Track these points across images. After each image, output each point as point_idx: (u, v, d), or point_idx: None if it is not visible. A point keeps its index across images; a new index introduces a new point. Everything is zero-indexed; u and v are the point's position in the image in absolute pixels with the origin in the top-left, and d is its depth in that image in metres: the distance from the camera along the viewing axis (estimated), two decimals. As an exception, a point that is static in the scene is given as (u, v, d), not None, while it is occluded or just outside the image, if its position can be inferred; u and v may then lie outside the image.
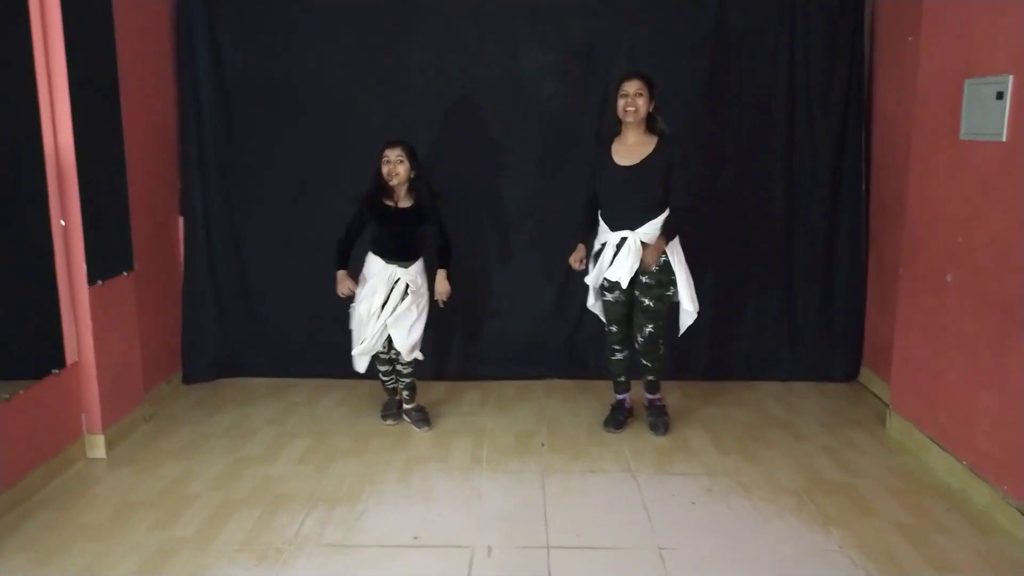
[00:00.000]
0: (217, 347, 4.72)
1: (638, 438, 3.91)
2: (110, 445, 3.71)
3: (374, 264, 3.88)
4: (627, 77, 3.67)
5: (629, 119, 3.65)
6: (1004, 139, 3.03)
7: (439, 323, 4.40)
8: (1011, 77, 2.98)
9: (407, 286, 3.83)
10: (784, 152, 4.57)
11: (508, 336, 4.75)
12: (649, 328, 3.79)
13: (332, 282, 3.97)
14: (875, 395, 4.50)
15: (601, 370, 4.71)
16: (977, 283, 3.25)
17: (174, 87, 4.57)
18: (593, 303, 3.98)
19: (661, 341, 3.85)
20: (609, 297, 3.85)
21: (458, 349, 4.73)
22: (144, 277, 4.19)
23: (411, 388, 4.06)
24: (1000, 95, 3.02)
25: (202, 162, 4.61)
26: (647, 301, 3.74)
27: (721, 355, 4.70)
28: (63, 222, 3.49)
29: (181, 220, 4.68)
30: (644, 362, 3.91)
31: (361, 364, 3.96)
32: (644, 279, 3.72)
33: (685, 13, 4.49)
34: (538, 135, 4.58)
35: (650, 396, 4.07)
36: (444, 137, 4.55)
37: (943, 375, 3.51)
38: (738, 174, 4.59)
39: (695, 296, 3.82)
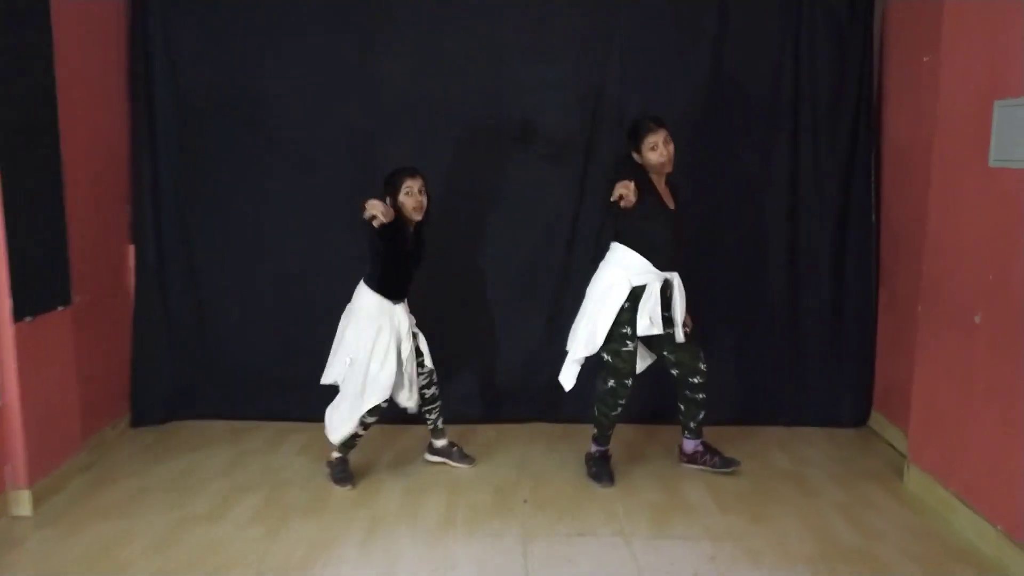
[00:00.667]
0: (169, 387, 4.31)
1: (631, 494, 3.52)
2: (37, 501, 3.30)
3: (374, 303, 3.47)
4: (649, 129, 3.39)
5: (668, 169, 3.44)
6: (1044, 165, 2.70)
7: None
8: (1051, 96, 2.66)
9: (405, 324, 3.54)
10: (789, 181, 4.25)
11: (488, 375, 4.37)
12: (702, 352, 3.59)
13: (295, 316, 3.59)
14: (888, 442, 4.14)
15: (584, 413, 4.35)
16: (1011, 325, 2.90)
17: (125, 102, 4.20)
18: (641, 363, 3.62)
19: None
20: (630, 347, 3.47)
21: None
22: (89, 311, 3.81)
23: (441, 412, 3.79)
24: (1038, 117, 2.70)
25: (155, 186, 4.24)
26: (684, 338, 3.55)
27: (721, 398, 4.30)
28: (-16, 253, 3.10)
29: (132, 248, 4.28)
30: (700, 396, 3.62)
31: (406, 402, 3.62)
32: (679, 317, 3.52)
33: (682, 33, 4.19)
34: (521, 152, 4.23)
35: (694, 443, 3.76)
36: (421, 159, 4.19)
37: (970, 426, 3.15)
38: (739, 205, 4.27)
39: None
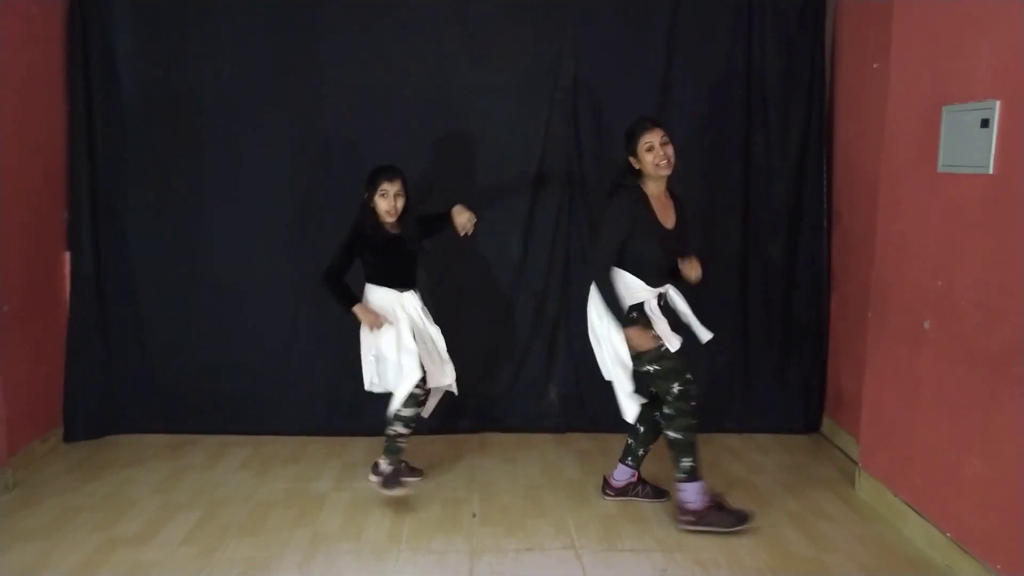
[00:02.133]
0: (104, 399, 4.14)
1: (583, 506, 3.45)
2: (-45, 523, 3.12)
3: (382, 296, 3.42)
4: (645, 128, 3.15)
5: (663, 172, 3.15)
6: (991, 171, 2.69)
7: (354, 372, 3.92)
8: (998, 102, 2.65)
9: (418, 311, 3.49)
10: (740, 188, 4.23)
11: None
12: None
13: (235, 327, 3.43)
14: (840, 449, 4.12)
15: (538, 422, 4.28)
16: (960, 332, 2.88)
17: (63, 104, 4.03)
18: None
19: None
20: (664, 344, 3.18)
21: (380, 400, 4.21)
22: (18, 320, 3.63)
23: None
24: (986, 123, 2.68)
25: (93, 191, 4.06)
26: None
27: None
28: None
29: (67, 256, 4.10)
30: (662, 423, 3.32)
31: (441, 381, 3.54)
32: (692, 318, 3.42)
33: (633, 39, 4.14)
34: (473, 160, 4.14)
35: (639, 475, 3.56)
36: (363, 159, 4.08)
37: (920, 434, 3.13)
38: (690, 210, 4.21)
39: None
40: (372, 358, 3.43)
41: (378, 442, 3.83)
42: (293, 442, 4.09)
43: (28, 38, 3.72)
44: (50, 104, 3.96)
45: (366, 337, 3.44)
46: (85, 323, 4.10)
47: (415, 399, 3.38)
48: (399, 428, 3.40)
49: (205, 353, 4.15)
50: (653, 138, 3.13)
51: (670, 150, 3.16)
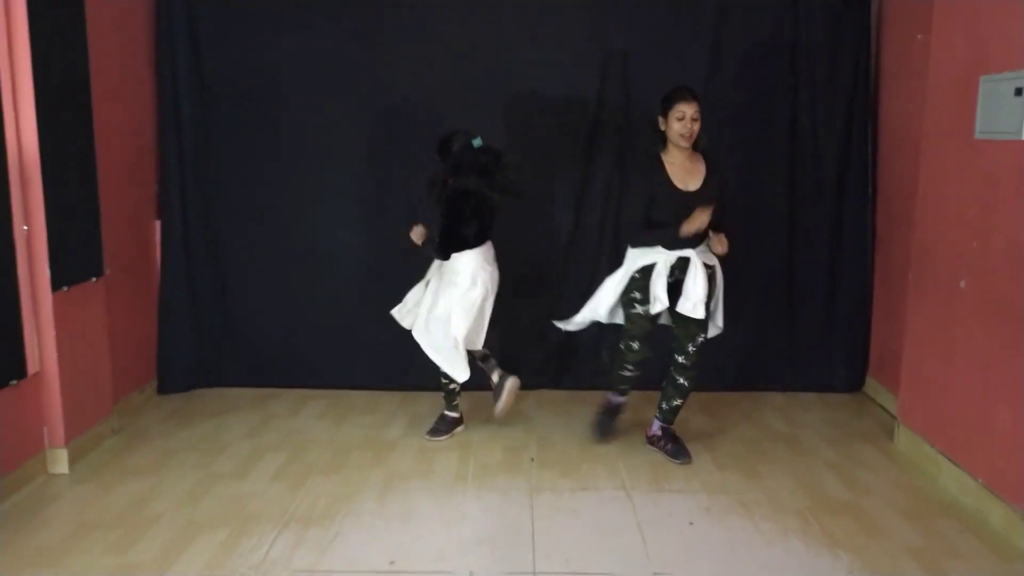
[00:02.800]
0: (194, 355, 4.52)
1: (633, 453, 3.71)
2: (73, 460, 3.51)
3: (485, 251, 3.78)
4: (683, 98, 3.39)
5: (684, 144, 3.42)
6: (1022, 137, 2.84)
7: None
8: (1030, 71, 2.80)
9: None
10: (787, 153, 4.39)
11: (497, 344, 4.54)
12: (701, 338, 3.55)
13: (312, 289, 3.73)
14: (882, 407, 4.30)
15: (590, 380, 4.53)
16: (992, 290, 3.06)
17: (153, 85, 4.39)
18: (608, 314, 3.71)
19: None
20: (639, 310, 3.54)
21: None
22: (118, 282, 4.01)
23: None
24: (1019, 91, 2.83)
25: (181, 164, 4.42)
26: (702, 314, 3.52)
27: (719, 365, 4.47)
28: (25, 227, 3.29)
29: (158, 224, 4.48)
30: (682, 380, 3.60)
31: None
32: (694, 291, 3.48)
33: (684, 15, 4.31)
34: (529, 135, 4.39)
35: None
36: (430, 131, 4.35)
37: (955, 387, 3.32)
38: (738, 177, 4.40)
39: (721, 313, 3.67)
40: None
41: (437, 397, 4.16)
42: (366, 395, 4.43)
43: (119, 23, 4.04)
44: (141, 86, 4.31)
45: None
46: (175, 285, 4.47)
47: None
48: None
49: (285, 313, 4.51)
50: (687, 109, 3.38)
51: (697, 126, 3.41)
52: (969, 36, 3.23)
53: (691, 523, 3.05)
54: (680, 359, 3.60)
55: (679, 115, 3.39)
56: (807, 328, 4.52)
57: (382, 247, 4.44)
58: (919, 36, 3.85)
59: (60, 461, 3.48)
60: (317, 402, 4.35)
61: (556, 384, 4.57)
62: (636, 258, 3.55)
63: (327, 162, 4.43)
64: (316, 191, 4.45)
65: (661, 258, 3.46)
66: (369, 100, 4.39)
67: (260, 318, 4.52)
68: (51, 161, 3.33)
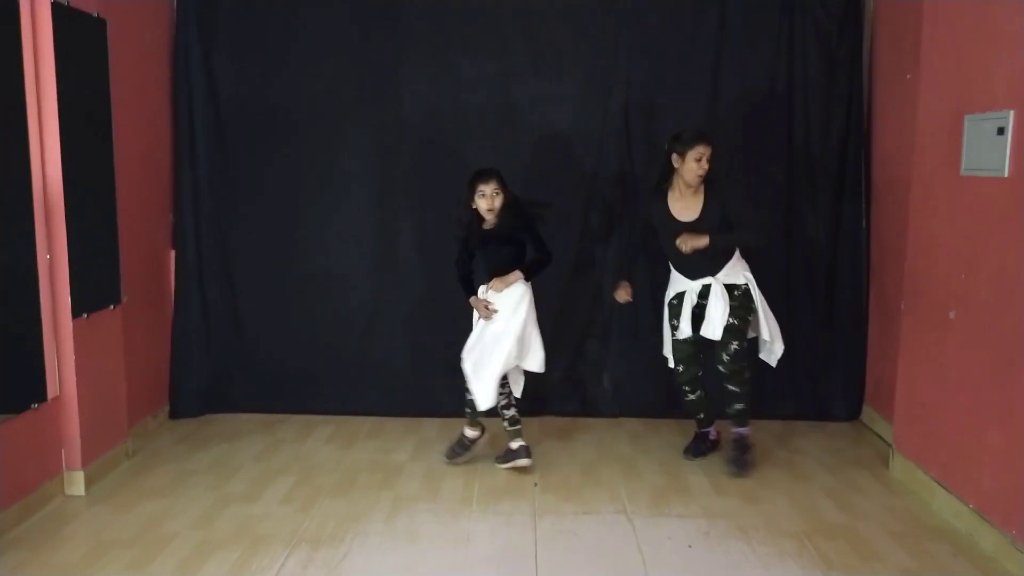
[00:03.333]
0: (206, 381, 4.64)
1: (635, 479, 3.80)
2: (90, 481, 3.61)
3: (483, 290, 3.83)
4: (700, 140, 3.63)
5: (696, 183, 3.68)
6: (1006, 174, 2.97)
7: (434, 358, 4.32)
8: (1012, 112, 2.93)
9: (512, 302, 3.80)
10: (784, 187, 4.53)
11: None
12: (734, 345, 3.73)
13: (323, 316, 3.84)
14: (878, 435, 4.39)
15: (593, 407, 4.64)
16: (980, 319, 3.17)
17: (169, 118, 4.55)
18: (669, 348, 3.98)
19: (746, 364, 3.79)
20: (678, 336, 3.85)
21: (450, 385, 4.62)
22: (133, 310, 4.13)
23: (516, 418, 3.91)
24: (1001, 130, 2.97)
25: (196, 194, 4.57)
26: (733, 320, 3.74)
27: (721, 393, 4.58)
28: (48, 256, 3.43)
29: (173, 252, 4.62)
30: (730, 387, 3.81)
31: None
32: (714, 317, 3.74)
33: (683, 50, 4.47)
34: (533, 164, 4.53)
35: (737, 429, 3.91)
36: (436, 164, 4.52)
37: (946, 414, 3.42)
38: (730, 196, 4.51)
39: (779, 333, 3.89)
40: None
41: (448, 423, 4.26)
42: (372, 421, 4.54)
43: (137, 58, 4.21)
44: (157, 119, 4.47)
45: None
46: (188, 313, 4.60)
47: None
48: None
49: (295, 340, 4.63)
50: (705, 151, 3.64)
51: (707, 167, 3.66)
52: (954, 76, 3.38)
53: (690, 546, 3.14)
54: (720, 368, 3.79)
55: (697, 156, 3.62)
56: (805, 358, 4.62)
57: (392, 275, 4.58)
58: (908, 75, 4.00)
59: (77, 483, 3.58)
60: (324, 427, 4.45)
61: (559, 411, 4.66)
62: (669, 287, 3.92)
63: (338, 192, 4.57)
64: (327, 221, 4.59)
65: (689, 286, 3.80)
66: (379, 130, 4.54)
67: (270, 345, 4.64)
68: (73, 192, 3.47)
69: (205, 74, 4.51)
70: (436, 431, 4.34)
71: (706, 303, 3.76)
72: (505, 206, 3.71)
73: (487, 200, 3.67)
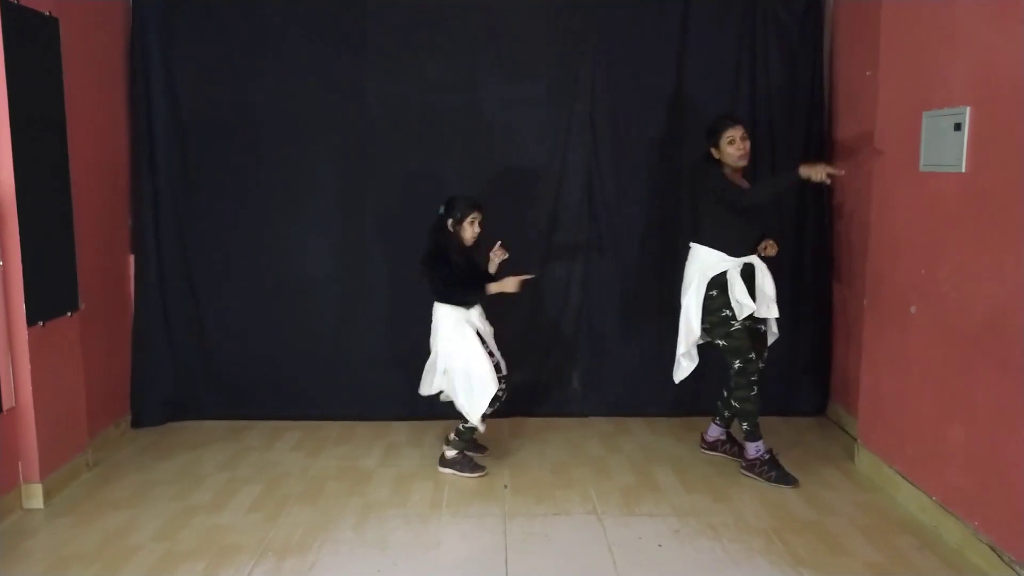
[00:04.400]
0: (168, 389, 4.55)
1: (605, 479, 3.80)
2: (48, 495, 3.52)
3: (449, 312, 3.76)
4: (727, 124, 3.62)
5: (742, 163, 3.64)
6: (963, 169, 3.02)
7: (401, 361, 4.29)
8: (968, 108, 2.98)
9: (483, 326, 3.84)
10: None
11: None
12: (765, 352, 3.85)
13: (286, 320, 3.77)
14: (844, 429, 4.44)
15: (563, 408, 4.62)
16: (941, 314, 3.21)
17: (126, 120, 4.45)
18: (689, 349, 3.81)
19: None
20: (736, 326, 3.67)
21: (416, 386, 4.59)
22: (92, 317, 4.03)
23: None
24: (958, 126, 3.01)
25: (155, 198, 4.47)
26: (763, 328, 3.81)
27: (688, 390, 4.60)
28: (1, 262, 3.33)
29: (132, 258, 4.52)
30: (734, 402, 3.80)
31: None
32: (770, 291, 3.71)
33: (645, 51, 4.48)
34: (499, 164, 4.51)
35: (728, 434, 4.01)
36: (403, 167, 4.48)
37: (910, 408, 3.46)
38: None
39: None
40: (444, 369, 3.74)
41: (418, 426, 4.23)
42: (340, 426, 4.48)
43: (93, 60, 4.11)
44: (114, 122, 4.37)
45: (444, 352, 3.73)
46: (149, 320, 4.50)
47: (497, 400, 3.77)
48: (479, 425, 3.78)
49: (259, 346, 4.55)
50: (735, 133, 3.61)
51: (748, 144, 3.63)
52: (913, 74, 3.42)
53: (660, 545, 3.14)
54: (760, 364, 3.79)
55: (729, 139, 3.61)
56: (772, 354, 4.63)
57: (357, 280, 4.53)
58: (868, 73, 4.04)
59: (35, 496, 3.48)
60: (292, 433, 4.39)
61: (528, 412, 4.64)
62: (704, 272, 3.68)
63: (303, 196, 4.51)
64: (291, 226, 4.52)
65: (730, 264, 3.66)
66: (345, 134, 4.48)
67: (234, 351, 4.57)
68: (26, 196, 3.38)
69: (164, 75, 4.42)
70: (405, 435, 4.30)
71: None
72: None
73: (475, 228, 3.73)
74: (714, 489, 3.67)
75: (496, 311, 4.47)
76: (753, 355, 3.69)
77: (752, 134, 4.48)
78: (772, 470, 3.72)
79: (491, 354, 3.79)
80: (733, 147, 3.60)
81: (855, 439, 4.05)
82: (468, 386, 3.70)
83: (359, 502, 3.54)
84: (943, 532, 3.18)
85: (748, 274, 3.69)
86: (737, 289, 3.63)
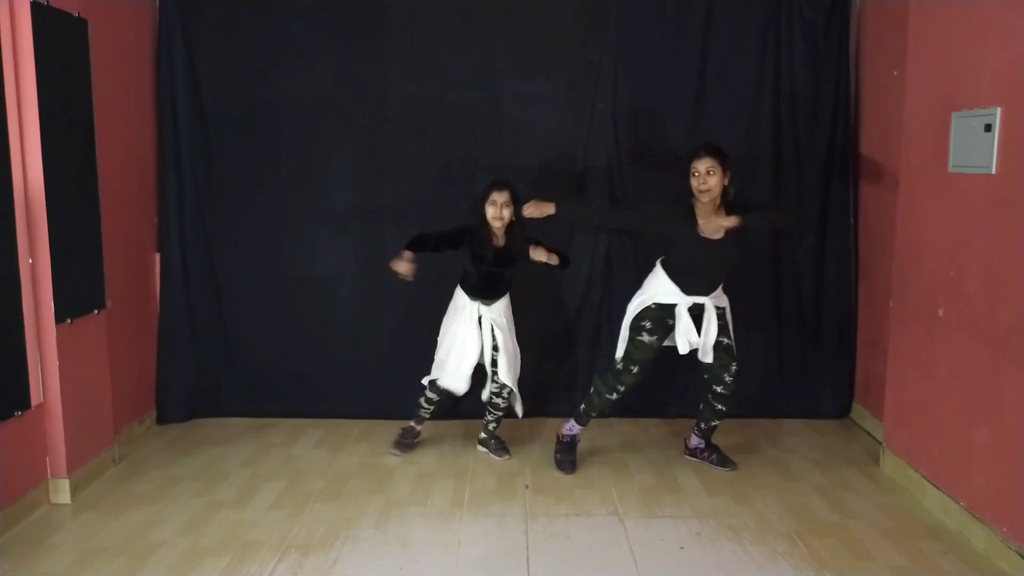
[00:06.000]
0: (192, 386, 4.59)
1: (626, 479, 3.79)
2: (75, 489, 3.56)
3: (460, 298, 3.93)
4: (695, 155, 3.53)
5: (704, 199, 3.53)
6: (993, 171, 2.98)
7: (423, 360, 4.29)
8: (999, 109, 2.94)
9: (492, 323, 3.89)
10: (771, 185, 4.52)
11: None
12: (735, 366, 3.75)
13: (310, 319, 3.81)
14: (868, 432, 4.40)
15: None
16: (968, 316, 3.17)
17: (152, 120, 4.50)
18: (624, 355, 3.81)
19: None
20: (647, 339, 3.70)
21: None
22: (118, 314, 4.08)
23: (499, 420, 4.09)
24: (988, 127, 2.97)
25: (180, 196, 4.51)
26: (726, 340, 3.72)
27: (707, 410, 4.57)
28: (30, 260, 3.38)
29: (157, 256, 4.57)
30: (720, 407, 3.81)
31: (459, 385, 3.93)
32: (706, 340, 3.68)
33: (670, 50, 4.46)
34: (518, 162, 4.50)
35: (707, 442, 3.97)
36: (422, 164, 4.49)
37: (936, 411, 3.42)
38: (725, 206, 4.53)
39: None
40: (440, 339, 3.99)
41: (439, 424, 4.25)
42: (362, 424, 4.50)
43: (120, 60, 4.15)
44: (141, 122, 4.41)
45: (443, 324, 3.98)
46: (174, 317, 4.55)
47: (438, 390, 3.98)
48: (421, 401, 4.04)
49: (282, 344, 4.58)
50: (699, 165, 3.51)
51: (713, 180, 3.47)
52: (941, 73, 3.38)
53: (682, 547, 3.13)
54: (719, 389, 3.77)
55: (692, 172, 3.53)
56: (795, 357, 4.62)
57: (380, 276, 4.53)
58: (895, 72, 4.00)
59: (62, 491, 3.53)
60: (314, 430, 4.42)
61: (549, 412, 4.63)
62: (657, 291, 3.71)
63: (324, 193, 4.53)
64: (313, 222, 4.55)
65: (681, 300, 3.66)
66: (365, 132, 4.50)
67: (258, 348, 4.60)
68: (55, 195, 3.43)
69: (189, 75, 4.45)
70: (426, 434, 4.31)
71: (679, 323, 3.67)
72: (514, 224, 3.76)
73: (496, 208, 3.71)
74: (735, 491, 3.65)
75: (518, 310, 4.50)
76: (637, 370, 3.72)
77: (776, 135, 4.49)
78: (561, 452, 3.90)
79: (495, 349, 3.89)
80: (695, 180, 3.51)
81: (879, 442, 4.01)
82: (436, 360, 3.97)
83: (380, 500, 3.56)
84: (969, 537, 3.14)
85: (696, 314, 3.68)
86: (683, 326, 3.65)
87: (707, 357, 3.70)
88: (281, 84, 4.48)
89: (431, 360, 4.05)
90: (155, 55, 4.45)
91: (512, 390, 3.95)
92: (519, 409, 4.06)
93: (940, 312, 3.36)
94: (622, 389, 3.78)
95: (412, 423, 4.12)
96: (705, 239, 3.57)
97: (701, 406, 3.91)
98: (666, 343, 3.77)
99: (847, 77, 4.48)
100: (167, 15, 4.39)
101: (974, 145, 3.08)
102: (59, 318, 3.47)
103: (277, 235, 4.56)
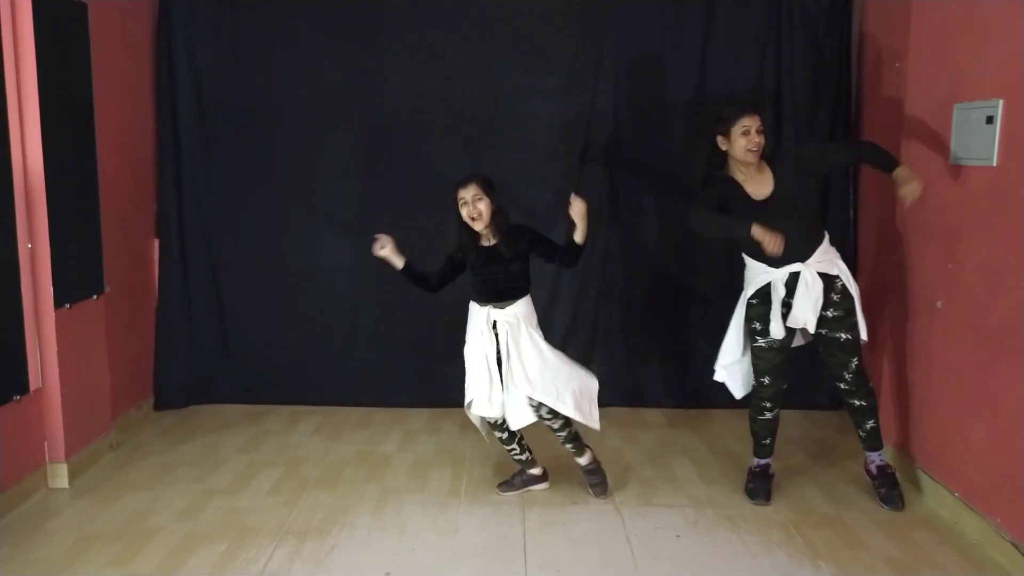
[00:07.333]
0: (190, 372, 4.60)
1: (623, 470, 3.80)
2: (73, 474, 3.57)
3: (472, 307, 3.43)
4: (743, 112, 3.13)
5: (752, 159, 3.15)
6: (994, 164, 2.97)
7: (419, 349, 4.32)
8: (1001, 101, 2.93)
9: (508, 329, 3.31)
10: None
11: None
12: (854, 362, 3.31)
13: (307, 306, 3.79)
14: (864, 424, 4.40)
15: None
16: (965, 310, 3.18)
17: (152, 107, 4.49)
18: (731, 362, 3.46)
19: (867, 375, 3.37)
20: (761, 342, 3.33)
21: (439, 375, 4.60)
22: (116, 300, 4.08)
23: (572, 440, 3.45)
24: (990, 119, 2.97)
25: (179, 183, 4.51)
26: (843, 335, 3.28)
27: (706, 382, 4.57)
28: (29, 245, 3.37)
29: (156, 243, 4.57)
30: (858, 403, 3.36)
31: (491, 412, 3.38)
32: (830, 313, 3.26)
33: (668, 42, 4.45)
34: (517, 155, 4.50)
35: (877, 457, 3.44)
36: (420, 156, 4.48)
37: (932, 403, 3.43)
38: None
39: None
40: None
41: (435, 413, 4.24)
42: (359, 412, 4.52)
43: (120, 47, 4.15)
44: (140, 108, 4.41)
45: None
46: (172, 304, 4.55)
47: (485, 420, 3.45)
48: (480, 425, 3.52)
49: (279, 331, 4.59)
50: (751, 123, 3.13)
51: (763, 140, 3.15)
52: (942, 66, 3.37)
53: (678, 536, 3.14)
54: (842, 386, 3.40)
55: (743, 129, 3.12)
56: (791, 349, 4.61)
57: (375, 266, 4.51)
58: (896, 64, 3.99)
59: (60, 476, 3.54)
60: (311, 418, 4.43)
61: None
62: (749, 282, 3.36)
63: (322, 183, 4.54)
64: (311, 211, 4.55)
65: (774, 276, 3.25)
66: (363, 123, 4.50)
67: (255, 336, 4.61)
68: (55, 181, 3.43)
69: (188, 63, 4.45)
70: (423, 422, 4.32)
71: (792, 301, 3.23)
72: (498, 216, 3.31)
73: (468, 207, 3.26)
74: (732, 481, 3.66)
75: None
76: (769, 381, 3.37)
77: (775, 129, 4.48)
78: (752, 482, 3.52)
79: (508, 356, 3.32)
80: (746, 139, 3.11)
81: (875, 434, 4.02)
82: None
83: (377, 487, 3.56)
84: (964, 527, 3.15)
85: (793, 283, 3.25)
86: (775, 305, 3.25)
87: (799, 324, 3.21)
88: (280, 73, 4.47)
89: (427, 347, 4.05)
90: (154, 43, 4.45)
91: (549, 408, 3.31)
92: (577, 415, 3.35)
93: (938, 304, 3.37)
94: (768, 405, 3.44)
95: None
96: (754, 200, 3.20)
97: (847, 413, 3.52)
98: (795, 344, 3.43)
99: (848, 70, 4.46)
100: (166, 2, 4.37)
101: (975, 137, 3.07)
102: (58, 303, 3.47)
103: (275, 222, 4.56)
